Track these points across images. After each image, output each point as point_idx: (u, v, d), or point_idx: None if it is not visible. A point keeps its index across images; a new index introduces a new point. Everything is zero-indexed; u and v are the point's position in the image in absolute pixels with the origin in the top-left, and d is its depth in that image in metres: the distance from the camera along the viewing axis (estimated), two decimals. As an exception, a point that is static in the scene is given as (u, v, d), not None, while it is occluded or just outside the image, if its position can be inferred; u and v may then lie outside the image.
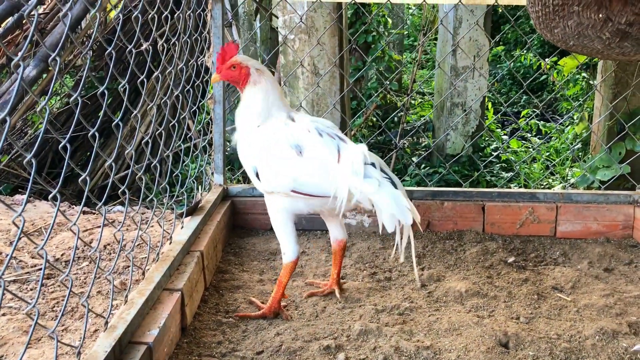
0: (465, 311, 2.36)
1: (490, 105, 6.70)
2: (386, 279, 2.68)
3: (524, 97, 9.07)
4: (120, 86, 1.94)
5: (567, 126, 6.29)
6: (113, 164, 1.83)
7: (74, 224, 1.57)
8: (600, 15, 2.35)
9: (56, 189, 1.46)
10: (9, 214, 3.43)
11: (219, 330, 2.20)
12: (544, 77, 8.57)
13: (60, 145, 1.53)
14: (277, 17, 4.32)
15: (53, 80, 5.11)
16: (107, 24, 6.05)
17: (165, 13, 2.40)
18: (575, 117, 5.88)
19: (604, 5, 2.33)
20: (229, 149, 6.81)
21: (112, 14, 6.20)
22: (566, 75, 5.17)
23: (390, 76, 7.08)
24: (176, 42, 2.63)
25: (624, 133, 3.86)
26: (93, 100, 5.30)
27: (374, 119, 6.96)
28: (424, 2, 3.02)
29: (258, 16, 8.24)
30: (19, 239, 1.24)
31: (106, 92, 1.81)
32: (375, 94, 6.95)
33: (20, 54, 1.31)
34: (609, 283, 2.64)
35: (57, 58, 1.50)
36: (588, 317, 2.33)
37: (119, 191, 1.93)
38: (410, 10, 10.64)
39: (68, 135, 1.61)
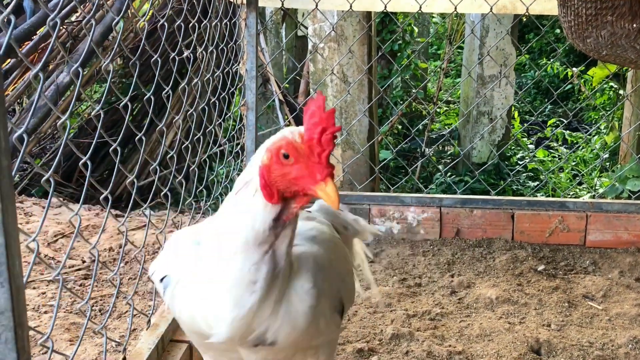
0: (496, 317, 2.38)
1: (517, 114, 6.69)
2: (416, 284, 2.71)
3: (549, 106, 9.02)
4: (164, 92, 2.01)
5: (593, 136, 6.25)
6: (157, 168, 1.89)
7: (122, 224, 1.63)
8: (635, 25, 2.36)
9: (107, 191, 1.52)
10: (47, 217, 3.53)
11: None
12: (569, 86, 8.52)
13: (112, 149, 1.60)
14: (306, 27, 4.39)
15: (77, 87, 5.24)
16: (137, 33, 6.18)
17: (205, 22, 2.47)
18: (602, 127, 5.84)
19: (638, 15, 2.34)
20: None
21: (142, 24, 6.33)
22: (595, 85, 5.14)
23: (415, 84, 7.11)
24: (205, 51, 2.69)
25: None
26: (132, 104, 5.40)
27: (399, 127, 6.99)
28: (454, 11, 3.05)
29: (284, 24, 8.35)
30: (75, 237, 1.30)
31: (152, 97, 1.88)
32: (401, 102, 6.98)
33: (39, 64, 1.36)
34: (641, 293, 2.64)
35: (79, 69, 1.56)
36: (620, 325, 2.33)
37: (162, 194, 1.99)
38: (434, 19, 10.66)
39: (117, 141, 1.67)
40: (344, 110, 4.25)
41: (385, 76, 6.80)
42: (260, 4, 3.16)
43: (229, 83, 2.95)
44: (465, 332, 2.26)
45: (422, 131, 6.91)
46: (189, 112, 2.56)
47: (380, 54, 4.33)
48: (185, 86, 2.39)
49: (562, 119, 7.35)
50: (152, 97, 1.92)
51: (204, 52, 2.68)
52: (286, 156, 1.09)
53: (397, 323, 2.31)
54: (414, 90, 6.65)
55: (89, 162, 1.52)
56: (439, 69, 7.95)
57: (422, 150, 6.30)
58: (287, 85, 7.86)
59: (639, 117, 3.92)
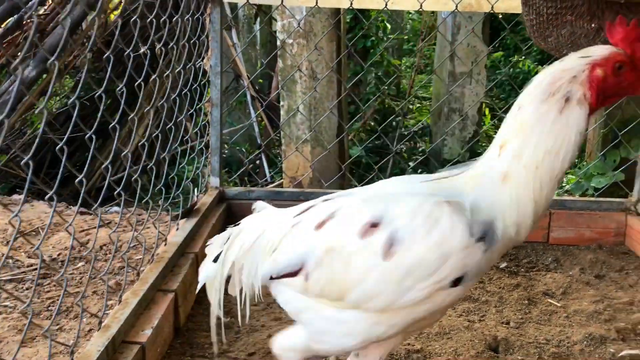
0: (457, 315, 2.39)
1: (487, 111, 6.74)
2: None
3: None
4: (118, 89, 1.97)
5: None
6: (109, 166, 1.85)
7: (70, 224, 1.60)
8: (593, 25, 2.38)
9: (52, 190, 1.48)
10: (6, 214, 3.46)
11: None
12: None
13: (58, 147, 1.56)
14: (277, 21, 4.36)
15: (52, 83, 5.14)
16: (107, 27, 6.09)
17: (164, 17, 2.43)
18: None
19: (597, 15, 2.36)
20: (226, 151, 6.84)
21: (113, 16, 6.24)
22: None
23: (388, 81, 7.12)
24: (174, 46, 2.66)
25: (618, 141, 3.90)
26: (92, 101, 5.33)
27: (372, 124, 7.00)
28: (420, 8, 3.05)
29: (258, 20, 8.29)
30: (15, 238, 1.26)
31: (103, 95, 1.84)
32: (373, 99, 6.98)
33: (18, 58, 1.33)
34: (600, 289, 2.66)
35: (56, 62, 1.53)
36: (577, 322, 2.35)
37: (115, 193, 1.96)
38: (410, 15, 10.68)
39: (65, 137, 1.63)
40: (312, 107, 4.24)
41: (358, 72, 6.79)
42: (225, 0, 3.13)
43: (199, 77, 2.92)
44: (425, 330, 2.26)
45: (395, 128, 6.93)
46: (158, 106, 2.52)
47: (347, 50, 4.32)
48: (156, 79, 2.36)
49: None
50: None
51: (173, 47, 2.65)
52: (620, 67, 1.30)
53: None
54: (385, 87, 6.67)
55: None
56: (412, 66, 7.97)
57: (394, 146, 6.32)
58: (261, 81, 7.83)
59: (602, 116, 3.97)
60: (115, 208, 4.04)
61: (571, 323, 2.35)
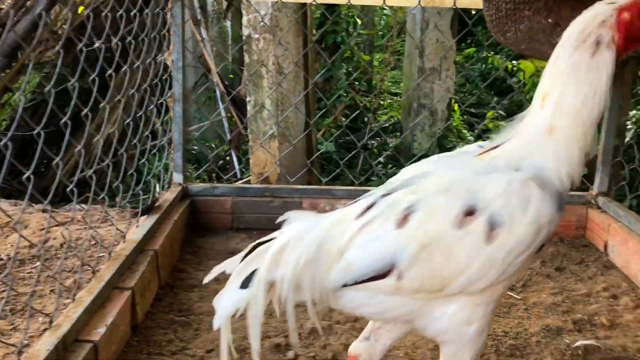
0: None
1: (456, 106, 6.79)
2: (342, 277, 2.70)
3: (495, 98, 9.19)
4: (70, 83, 1.94)
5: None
6: (60, 162, 1.82)
7: (17, 222, 1.57)
8: (550, 20, 2.41)
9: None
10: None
11: (170, 329, 2.20)
12: (515, 79, 8.71)
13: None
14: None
15: (26, 79, 5.05)
16: (72, 19, 5.98)
17: (120, 12, 2.40)
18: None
19: (554, 10, 2.39)
20: (195, 147, 6.78)
21: (81, 9, 6.14)
22: (525, 79, 5.25)
23: (360, 76, 7.13)
24: (131, 42, 2.62)
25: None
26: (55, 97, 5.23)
27: (343, 119, 7.00)
28: (382, 4, 3.05)
29: (229, 14, 8.23)
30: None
31: (52, 91, 1.81)
32: (344, 94, 6.98)
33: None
34: (559, 282, 2.70)
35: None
36: (536, 314, 2.38)
37: (68, 189, 1.92)
38: (385, 11, 10.70)
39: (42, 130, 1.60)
40: (279, 102, 4.22)
41: (329, 68, 6.78)
42: (186, -6, 3.09)
43: (160, 72, 2.89)
44: (385, 324, 2.27)
45: (367, 123, 6.94)
46: (102, 104, 2.48)
47: (311, 45, 4.31)
48: (112, 75, 2.32)
49: (501, 112, 7.50)
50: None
51: (131, 42, 2.61)
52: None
53: (319, 316, 2.30)
54: (356, 83, 6.68)
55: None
56: (383, 62, 7.99)
57: (365, 142, 6.33)
58: (232, 76, 7.77)
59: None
60: (80, 205, 3.98)
61: (530, 315, 2.37)
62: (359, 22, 7.19)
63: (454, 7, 3.12)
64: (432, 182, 1.40)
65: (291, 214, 1.48)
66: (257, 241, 1.48)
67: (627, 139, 4.89)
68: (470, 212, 1.31)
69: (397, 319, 1.47)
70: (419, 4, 3.11)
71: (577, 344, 2.13)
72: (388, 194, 1.42)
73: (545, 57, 2.60)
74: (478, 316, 1.39)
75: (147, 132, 2.73)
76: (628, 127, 5.11)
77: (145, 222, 2.61)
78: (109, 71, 2.24)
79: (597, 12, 1.40)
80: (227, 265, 1.48)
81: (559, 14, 2.38)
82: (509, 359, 2.08)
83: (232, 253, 2.88)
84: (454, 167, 1.45)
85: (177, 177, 3.16)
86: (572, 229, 3.20)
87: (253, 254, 1.45)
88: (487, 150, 1.46)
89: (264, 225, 3.18)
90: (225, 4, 6.98)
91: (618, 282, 2.69)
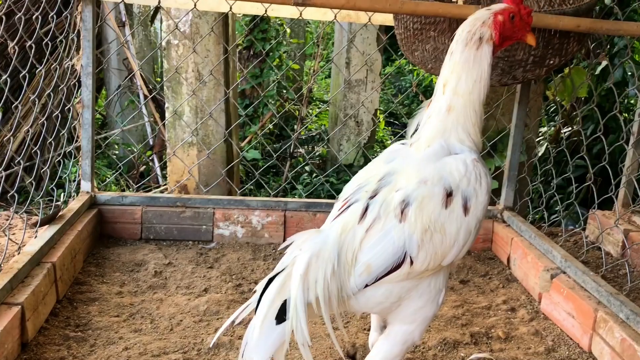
0: (321, 323, 2.41)
1: (382, 117, 6.90)
2: (250, 290, 2.69)
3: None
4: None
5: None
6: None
7: None
8: (453, 42, 2.48)
9: None
10: None
11: (64, 345, 2.12)
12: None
13: None
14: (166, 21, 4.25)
15: None
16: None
17: (19, 15, 2.30)
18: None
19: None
20: (116, 152, 6.60)
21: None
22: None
23: (289, 85, 7.14)
24: (32, 45, 2.53)
25: (494, 150, 4.10)
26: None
27: (271, 127, 7.00)
28: (299, 16, 3.07)
29: (157, 17, 8.07)
30: None
31: None
32: (274, 102, 6.98)
33: None
34: (462, 294, 2.78)
35: None
36: (436, 328, 2.44)
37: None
38: (311, 23, 10.77)
39: None
40: (199, 109, 4.17)
41: (257, 75, 6.77)
42: (98, -2, 3.01)
43: (56, 79, 2.78)
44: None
45: (295, 131, 6.96)
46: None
47: (227, 53, 4.27)
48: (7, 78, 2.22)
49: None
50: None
51: (32, 46, 2.51)
52: (513, 17, 1.72)
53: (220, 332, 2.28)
54: (285, 91, 6.69)
55: None
56: (311, 70, 8.04)
57: (291, 150, 6.34)
58: (159, 79, 7.63)
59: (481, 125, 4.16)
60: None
61: (430, 328, 2.43)
62: (289, 30, 7.20)
63: (369, 23, 3.17)
64: (407, 178, 1.61)
65: (294, 237, 1.60)
66: (267, 278, 1.52)
67: (539, 154, 5.13)
68: (449, 194, 1.58)
69: (400, 302, 1.63)
70: (335, 19, 3.14)
71: (472, 357, 2.20)
72: (374, 196, 1.60)
73: (451, 77, 2.67)
74: (445, 281, 1.69)
75: (50, 140, 2.62)
76: (540, 142, 5.35)
77: (45, 233, 2.51)
78: (4, 76, 2.14)
79: (480, 15, 1.72)
80: (237, 313, 1.56)
81: (461, 36, 2.45)
82: (406, 373, 2.12)
83: (139, 265, 2.85)
84: (411, 163, 1.67)
85: (85, 185, 3.06)
86: (479, 242, 3.31)
87: (272, 289, 1.49)
88: (415, 142, 1.71)
89: (174, 236, 3.13)
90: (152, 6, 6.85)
91: (517, 295, 2.79)
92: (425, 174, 1.60)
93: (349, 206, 1.62)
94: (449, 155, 1.65)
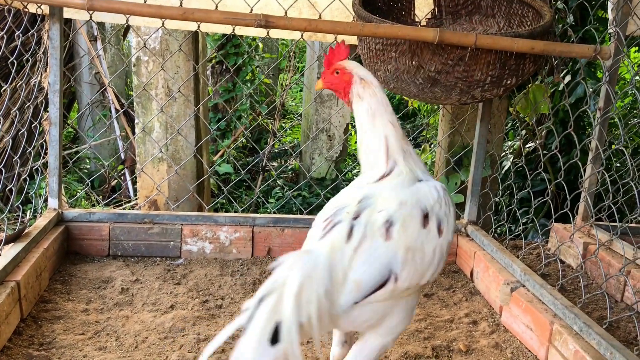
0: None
1: (353, 132, 6.98)
2: (217, 306, 2.71)
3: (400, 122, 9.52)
4: None
5: (420, 154, 6.69)
6: None
7: None
8: (414, 63, 2.56)
9: None
10: None
11: (27, 365, 2.13)
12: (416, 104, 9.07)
13: None
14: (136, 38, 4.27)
15: None
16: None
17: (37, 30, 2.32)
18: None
19: (417, 53, 2.55)
20: (88, 166, 6.56)
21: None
22: (418, 106, 5.48)
23: (261, 99, 7.19)
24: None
25: (459, 165, 4.19)
26: None
27: (244, 141, 7.03)
28: (267, 35, 3.12)
29: (129, 33, 8.08)
30: None
31: None
32: (246, 116, 7.02)
33: None
34: (426, 308, 2.84)
35: None
36: (398, 342, 2.48)
37: None
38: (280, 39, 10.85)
39: None
40: (169, 125, 4.19)
41: (229, 89, 6.81)
42: (65, 16, 3.03)
43: (22, 97, 2.79)
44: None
45: (267, 145, 7.00)
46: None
47: (196, 70, 4.31)
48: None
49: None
50: None
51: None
52: (337, 73, 1.86)
53: (185, 349, 2.30)
54: (257, 105, 6.74)
55: None
56: (283, 85, 8.12)
57: (264, 164, 6.38)
58: (131, 93, 7.61)
59: (447, 140, 4.26)
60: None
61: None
62: (261, 45, 7.26)
63: (335, 41, 3.24)
64: (386, 201, 1.68)
65: (283, 258, 1.48)
66: (257, 297, 1.42)
67: (505, 168, 5.24)
68: (426, 216, 1.67)
69: (383, 319, 1.67)
70: (302, 38, 3.20)
71: (430, 370, 2.25)
72: (357, 217, 1.63)
73: (412, 96, 2.76)
74: (417, 299, 1.77)
75: (16, 157, 2.63)
76: (508, 156, 5.47)
77: (9, 252, 2.51)
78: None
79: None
80: (227, 333, 1.38)
81: (421, 57, 2.53)
82: (368, 387, 2.16)
83: (105, 282, 2.86)
84: (386, 187, 1.74)
85: (52, 202, 3.06)
86: (444, 256, 3.37)
87: (264, 309, 1.39)
88: (381, 178, 1.77)
89: (142, 253, 3.14)
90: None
91: (479, 308, 2.86)
92: (402, 196, 1.69)
93: (333, 226, 1.62)
94: (416, 182, 1.77)
